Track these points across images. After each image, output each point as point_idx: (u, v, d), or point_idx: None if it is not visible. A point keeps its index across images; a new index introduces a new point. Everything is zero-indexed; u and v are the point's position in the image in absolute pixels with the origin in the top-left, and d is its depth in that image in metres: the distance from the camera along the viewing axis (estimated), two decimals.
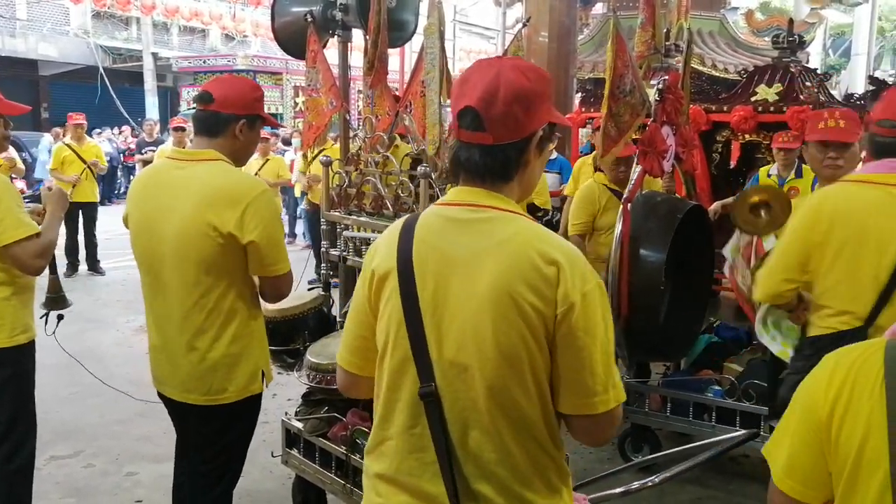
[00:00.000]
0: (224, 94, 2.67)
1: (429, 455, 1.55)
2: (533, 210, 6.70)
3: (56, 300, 3.37)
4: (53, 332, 3.30)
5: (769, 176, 5.97)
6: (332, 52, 4.03)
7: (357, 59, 4.01)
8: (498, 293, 1.48)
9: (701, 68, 10.05)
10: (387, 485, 1.62)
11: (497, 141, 1.54)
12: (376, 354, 1.65)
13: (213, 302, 2.62)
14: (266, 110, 2.87)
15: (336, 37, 3.93)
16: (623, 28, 4.22)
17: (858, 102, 6.05)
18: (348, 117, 3.97)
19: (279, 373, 5.80)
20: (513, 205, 1.58)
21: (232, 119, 2.66)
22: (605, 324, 1.52)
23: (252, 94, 2.75)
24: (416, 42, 4.37)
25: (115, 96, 22.91)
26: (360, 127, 3.92)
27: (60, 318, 3.34)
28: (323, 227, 3.84)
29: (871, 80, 6.85)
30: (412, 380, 1.56)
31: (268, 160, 10.12)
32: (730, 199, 6.26)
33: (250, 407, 2.83)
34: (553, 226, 6.59)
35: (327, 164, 3.72)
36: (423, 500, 1.57)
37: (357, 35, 4.02)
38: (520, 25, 4.76)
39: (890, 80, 7.61)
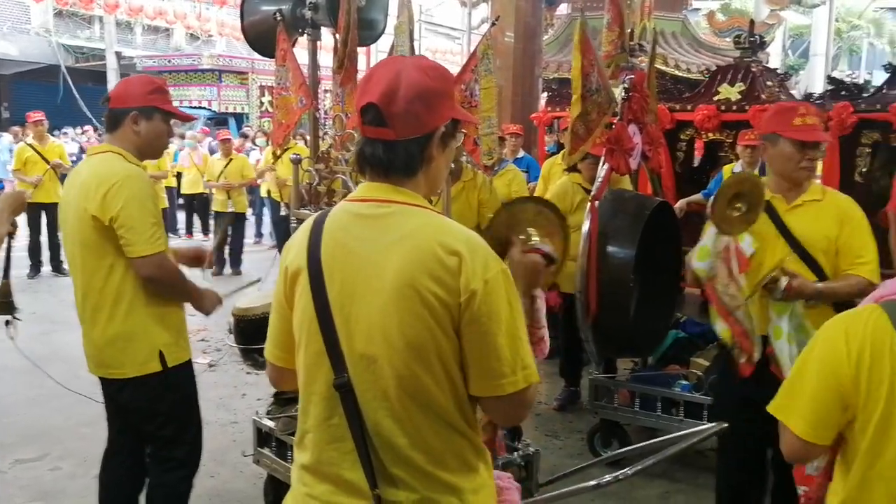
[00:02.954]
0: (118, 92, 2.94)
1: (347, 444, 1.60)
2: None
3: (2, 305, 3.31)
4: (12, 338, 3.24)
5: (734, 173, 6.08)
6: (299, 51, 4.02)
7: (324, 59, 4.01)
8: (402, 286, 1.52)
9: (664, 68, 10.19)
10: (310, 475, 1.67)
11: (399, 136, 1.58)
12: None
13: (102, 282, 2.84)
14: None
15: (305, 35, 3.92)
16: (588, 28, 4.27)
17: (817, 102, 6.18)
18: (318, 115, 3.97)
19: (248, 373, 5.80)
20: (418, 199, 1.62)
21: (124, 113, 2.87)
22: (510, 308, 1.57)
23: (144, 87, 2.92)
24: (383, 42, 4.38)
25: (77, 96, 22.56)
26: (331, 125, 3.92)
27: (8, 323, 3.28)
28: (293, 225, 3.83)
29: (830, 80, 7.00)
30: (326, 373, 1.61)
31: (231, 160, 10.07)
32: (695, 197, 6.38)
33: (168, 381, 2.94)
34: None
35: (297, 162, 3.72)
36: (344, 487, 1.62)
37: (325, 34, 4.02)
38: (487, 25, 4.80)
39: (847, 80, 7.76)
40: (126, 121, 2.87)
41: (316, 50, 3.93)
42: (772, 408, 1.79)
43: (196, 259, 3.27)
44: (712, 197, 2.99)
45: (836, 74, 8.71)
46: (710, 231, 3.04)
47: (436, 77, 1.62)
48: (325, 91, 8.46)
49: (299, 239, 1.68)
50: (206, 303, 3.09)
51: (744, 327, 2.98)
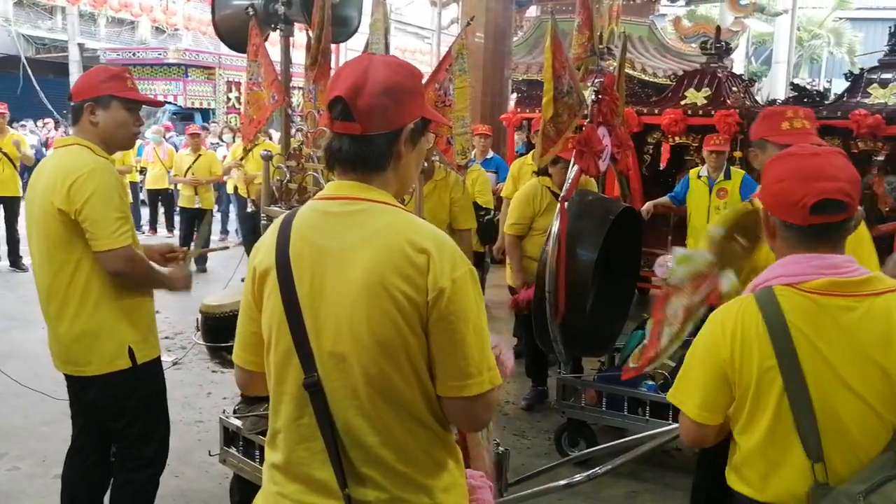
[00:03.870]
0: (77, 85, 2.91)
1: (317, 444, 1.60)
2: (476, 209, 6.75)
3: None
4: None
5: (699, 177, 6.16)
6: (270, 48, 3.99)
7: (296, 57, 3.98)
8: (371, 284, 1.52)
9: (631, 72, 10.30)
10: (281, 474, 1.67)
11: (366, 131, 1.58)
12: None
13: (68, 277, 2.80)
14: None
15: (278, 31, 3.89)
16: (559, 31, 4.30)
17: None
18: (290, 112, 3.94)
19: (213, 371, 5.74)
20: (387, 197, 1.63)
21: (82, 106, 2.84)
22: (477, 308, 1.57)
23: (98, 77, 2.89)
24: (355, 41, 4.37)
25: (38, 87, 22.10)
26: (303, 121, 3.90)
27: None
28: (263, 222, 3.80)
29: (794, 86, 7.13)
30: (296, 372, 1.60)
31: (200, 156, 9.94)
32: (661, 200, 6.46)
33: (137, 378, 2.91)
34: (494, 225, 6.65)
35: (268, 159, 3.69)
36: (314, 487, 1.62)
37: (297, 30, 4.00)
38: (457, 26, 4.81)
39: (809, 87, 7.92)
40: (85, 112, 2.84)
41: (289, 46, 3.90)
42: (669, 396, 1.99)
43: (168, 255, 3.21)
44: (718, 228, 2.84)
45: (797, 82, 8.86)
46: (702, 251, 2.91)
47: (404, 74, 1.63)
48: (296, 88, 8.41)
49: (268, 239, 1.67)
50: (177, 283, 3.05)
51: (659, 347, 2.92)
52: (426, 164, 3.49)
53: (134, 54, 21.89)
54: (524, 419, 5.22)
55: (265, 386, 1.72)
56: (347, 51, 12.94)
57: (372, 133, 1.59)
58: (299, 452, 1.63)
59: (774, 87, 17.91)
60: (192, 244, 7.67)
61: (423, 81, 1.76)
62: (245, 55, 3.95)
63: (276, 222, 1.69)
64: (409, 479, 1.59)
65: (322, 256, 1.58)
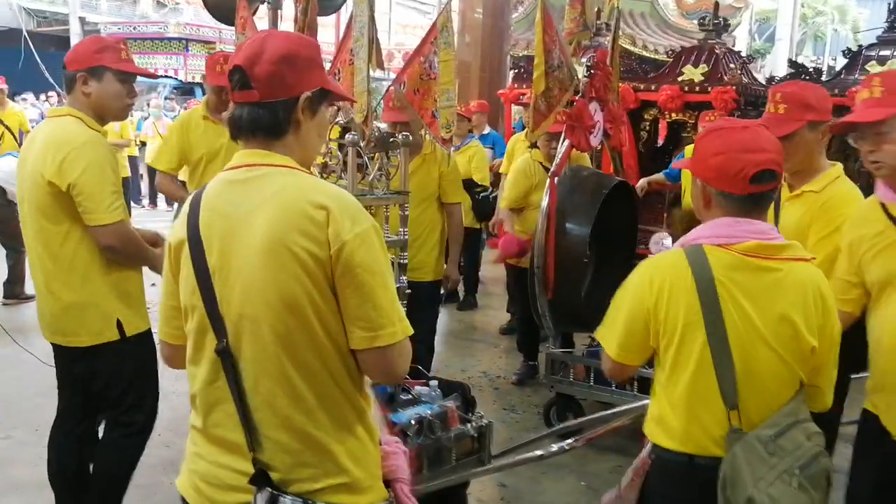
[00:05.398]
0: (70, 54, 2.89)
1: (230, 407, 1.63)
2: (471, 186, 6.75)
3: None
4: None
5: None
6: (258, 21, 3.98)
7: (284, 29, 3.97)
8: (273, 244, 1.55)
9: (631, 48, 10.22)
10: (200, 436, 1.72)
11: (263, 98, 1.62)
12: None
13: (57, 248, 2.80)
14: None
15: (266, 4, 3.88)
16: (555, 7, 4.28)
17: None
18: None
19: None
20: (288, 161, 1.66)
21: (75, 76, 2.82)
22: (384, 262, 1.61)
23: (91, 47, 2.87)
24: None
25: (39, 61, 22.00)
26: None
27: None
28: None
29: (791, 63, 7.08)
30: (210, 338, 1.64)
31: None
32: (656, 176, 6.43)
33: (126, 350, 2.93)
34: (491, 202, 6.65)
35: None
36: (228, 448, 1.66)
37: (287, 5, 3.98)
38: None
39: (811, 65, 7.87)
40: (77, 83, 2.82)
41: (277, 19, 3.90)
42: (596, 333, 2.15)
43: (152, 244, 3.21)
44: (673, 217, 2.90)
45: (801, 59, 8.80)
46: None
47: (302, 44, 1.69)
48: None
49: (182, 214, 1.71)
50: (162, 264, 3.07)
51: None
52: (412, 139, 3.47)
53: (135, 28, 21.82)
54: (514, 394, 5.26)
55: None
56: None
57: (270, 100, 1.63)
58: (215, 415, 1.67)
59: (777, 65, 17.77)
60: None
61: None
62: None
63: (189, 198, 1.73)
64: (317, 441, 1.62)
65: (228, 224, 1.61)
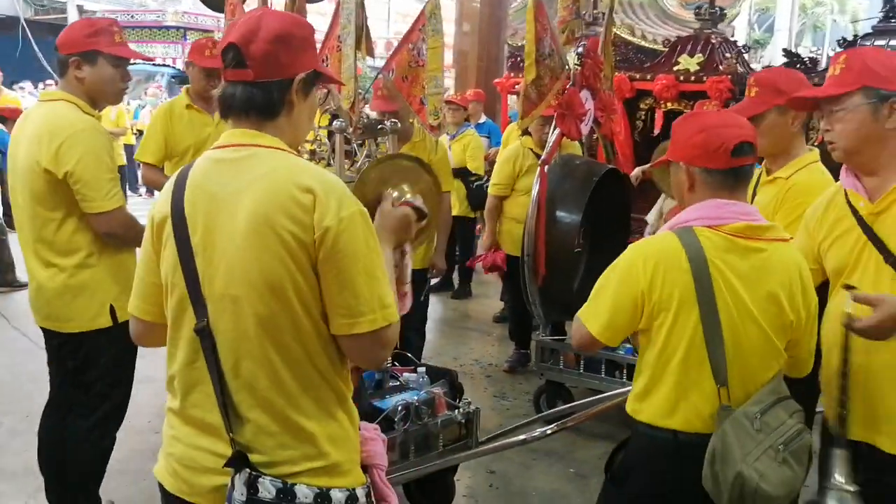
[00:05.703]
0: (62, 37, 2.84)
1: (208, 388, 1.62)
2: (466, 174, 6.74)
3: None
4: None
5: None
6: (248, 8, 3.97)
7: None
8: (258, 225, 1.54)
9: (629, 38, 10.17)
10: (177, 418, 1.71)
11: (258, 77, 1.60)
12: None
13: (52, 234, 2.78)
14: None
15: None
16: None
17: None
18: None
19: None
20: (278, 143, 1.64)
21: (67, 60, 2.79)
22: (367, 248, 1.59)
23: (84, 30, 2.83)
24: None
25: (37, 49, 21.96)
26: None
27: None
28: None
29: (786, 53, 7.06)
30: (189, 318, 1.62)
31: None
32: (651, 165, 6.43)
33: (116, 337, 2.85)
34: (486, 191, 6.64)
35: None
36: (205, 430, 1.65)
37: None
38: None
39: (809, 55, 7.84)
40: (70, 67, 2.79)
41: (267, 5, 3.88)
42: (579, 313, 2.15)
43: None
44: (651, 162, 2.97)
45: (800, 50, 8.76)
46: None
47: (297, 25, 1.67)
48: None
49: (165, 190, 1.69)
50: None
51: None
52: (401, 126, 3.47)
53: (132, 16, 21.65)
54: (506, 381, 5.28)
55: (161, 337, 1.74)
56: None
57: (264, 80, 1.61)
58: (194, 396, 1.66)
59: (775, 55, 17.72)
60: None
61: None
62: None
63: (174, 174, 1.71)
64: (296, 424, 1.61)
65: (214, 202, 1.60)
